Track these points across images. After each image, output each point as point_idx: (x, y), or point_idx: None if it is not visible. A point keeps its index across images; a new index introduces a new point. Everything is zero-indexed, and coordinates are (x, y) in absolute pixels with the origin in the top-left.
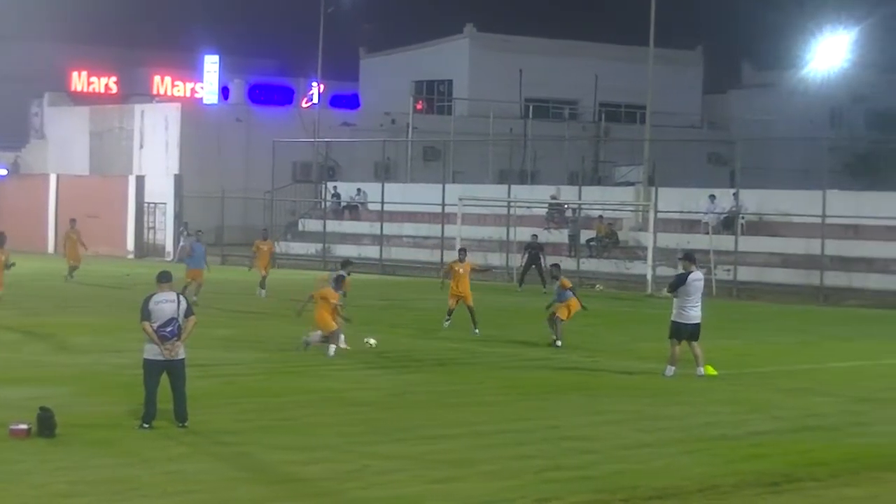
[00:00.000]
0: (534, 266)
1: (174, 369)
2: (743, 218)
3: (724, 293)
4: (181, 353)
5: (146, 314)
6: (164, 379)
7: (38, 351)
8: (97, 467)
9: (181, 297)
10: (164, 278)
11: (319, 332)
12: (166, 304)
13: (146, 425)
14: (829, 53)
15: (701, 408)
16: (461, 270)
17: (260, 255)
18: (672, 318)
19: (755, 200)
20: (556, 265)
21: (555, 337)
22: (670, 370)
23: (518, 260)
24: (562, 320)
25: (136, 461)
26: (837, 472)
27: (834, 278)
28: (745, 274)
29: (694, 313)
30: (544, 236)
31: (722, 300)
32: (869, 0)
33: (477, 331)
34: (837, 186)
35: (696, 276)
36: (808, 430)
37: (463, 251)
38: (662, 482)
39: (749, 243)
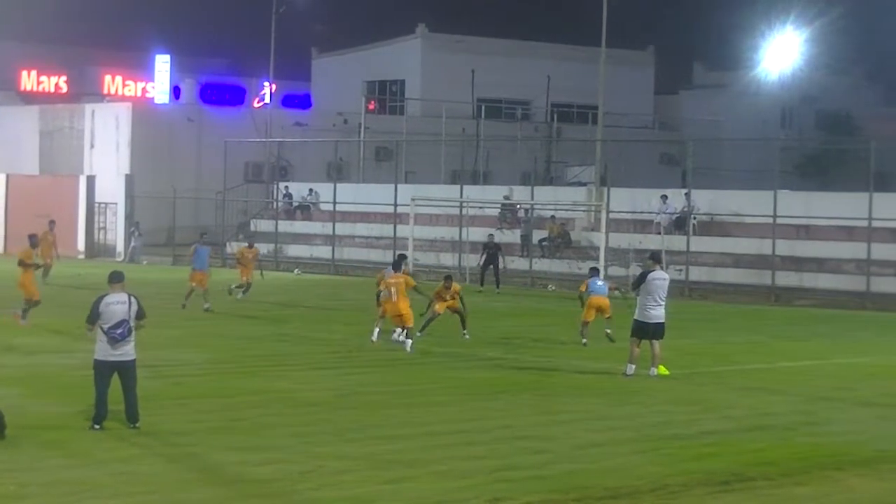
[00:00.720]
0: (491, 266)
1: (125, 370)
2: (695, 218)
3: (676, 293)
4: (132, 353)
5: (95, 316)
6: (116, 380)
7: None
8: (48, 469)
9: (133, 299)
10: (115, 278)
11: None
12: (117, 305)
13: (97, 426)
14: (779, 54)
15: (653, 407)
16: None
17: (244, 263)
18: (634, 317)
19: (707, 201)
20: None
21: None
22: (630, 368)
23: (471, 260)
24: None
25: (88, 462)
26: (789, 471)
27: (785, 278)
28: (697, 274)
29: (656, 312)
30: (497, 236)
31: (674, 300)
32: (820, 2)
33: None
34: (788, 187)
35: (658, 276)
36: (760, 430)
37: (402, 257)
38: (615, 482)
39: (701, 243)
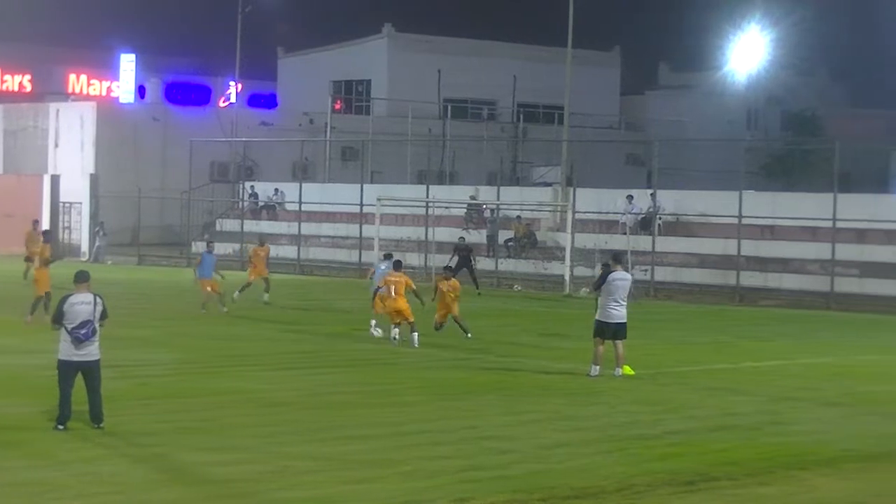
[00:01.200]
0: (465, 268)
1: (89, 370)
2: (660, 218)
3: (641, 293)
4: (96, 353)
5: (59, 315)
6: (80, 380)
7: None
8: (10, 469)
9: (98, 299)
10: (81, 278)
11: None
12: (82, 305)
13: (61, 427)
14: (745, 55)
15: (618, 408)
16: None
17: (257, 261)
18: (596, 317)
19: (672, 201)
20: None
21: None
22: (595, 370)
23: (437, 260)
24: None
25: (51, 463)
26: (753, 472)
27: (750, 278)
28: (662, 274)
29: (617, 312)
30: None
31: (639, 300)
32: (785, 2)
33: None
34: (754, 187)
35: (620, 276)
36: (724, 430)
37: (396, 259)
38: (580, 482)
39: (666, 244)
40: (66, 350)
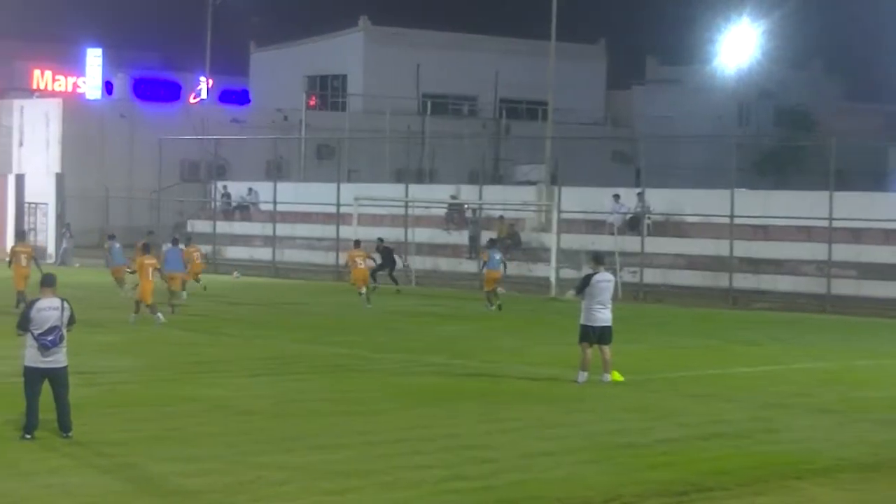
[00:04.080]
0: (387, 267)
1: (56, 377)
2: (649, 218)
3: (630, 296)
4: (63, 360)
5: (26, 322)
6: (47, 388)
7: None
8: None
9: (65, 304)
10: (47, 282)
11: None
12: (49, 311)
13: (28, 436)
14: (735, 48)
15: (605, 415)
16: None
17: (355, 268)
18: (580, 322)
19: (661, 200)
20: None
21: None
22: (582, 376)
23: (417, 262)
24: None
25: (15, 473)
26: (746, 481)
27: (742, 280)
28: (652, 276)
29: (601, 315)
30: (444, 237)
31: (627, 303)
32: None
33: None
34: (745, 185)
35: (603, 277)
36: (716, 438)
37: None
38: (565, 492)
39: (655, 244)
40: (32, 356)
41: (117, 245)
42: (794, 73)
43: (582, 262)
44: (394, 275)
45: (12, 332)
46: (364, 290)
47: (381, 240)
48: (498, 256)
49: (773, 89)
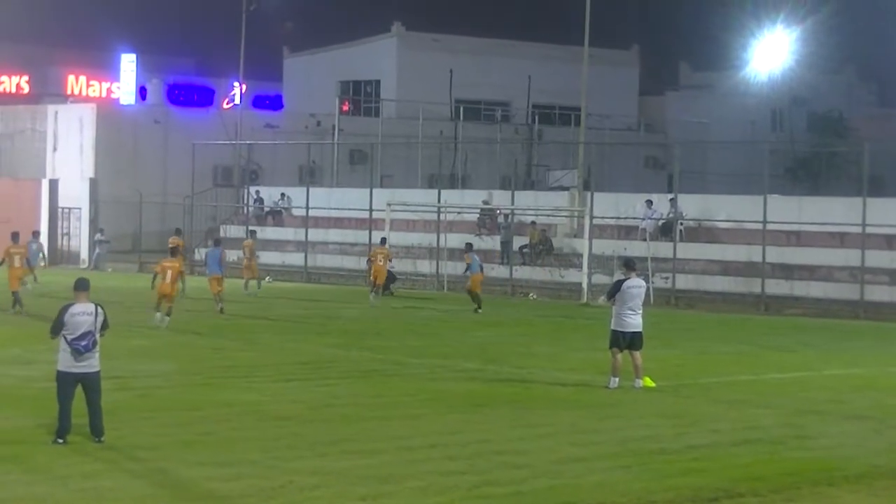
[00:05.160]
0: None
1: (89, 382)
2: (681, 224)
3: (662, 301)
4: (96, 365)
5: (59, 326)
6: (79, 392)
7: None
8: (8, 484)
9: (99, 309)
10: (81, 286)
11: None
12: (83, 316)
13: (60, 440)
14: (769, 54)
15: (637, 420)
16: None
17: (375, 264)
18: (611, 328)
19: (694, 206)
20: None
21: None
22: (614, 381)
23: (449, 267)
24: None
25: (49, 478)
26: (778, 487)
27: (775, 286)
28: (684, 282)
29: (632, 321)
30: (476, 243)
31: (660, 309)
32: (810, 0)
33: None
34: (778, 191)
35: (634, 283)
36: (748, 444)
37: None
38: (598, 498)
39: (688, 250)
40: (65, 361)
41: (217, 251)
42: (827, 78)
43: (614, 267)
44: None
45: (42, 337)
46: (378, 289)
47: (384, 239)
48: (478, 259)
49: (807, 95)
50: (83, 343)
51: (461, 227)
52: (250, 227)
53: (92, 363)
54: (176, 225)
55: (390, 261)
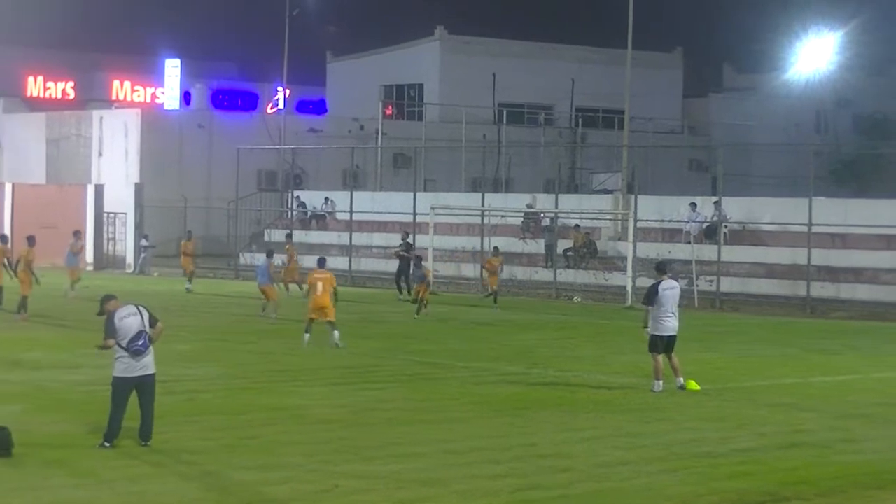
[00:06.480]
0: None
1: (145, 386)
2: (726, 227)
3: (707, 304)
4: (152, 367)
5: (112, 331)
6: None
7: None
8: (55, 488)
9: (141, 308)
10: (110, 297)
11: None
12: (130, 318)
13: (107, 444)
14: (813, 56)
15: (682, 424)
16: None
17: (491, 270)
18: (650, 332)
19: (738, 208)
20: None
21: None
22: (657, 385)
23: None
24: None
25: (96, 482)
26: (825, 491)
27: (820, 289)
28: (729, 285)
29: (670, 324)
30: (520, 246)
31: (704, 312)
32: (853, 1)
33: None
34: (823, 193)
35: (668, 285)
36: (795, 447)
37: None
38: (642, 501)
39: (732, 253)
40: (123, 367)
41: (276, 260)
42: (871, 80)
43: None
44: (409, 282)
45: (87, 343)
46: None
47: (406, 233)
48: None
49: (851, 96)
50: (140, 343)
51: (505, 230)
52: (286, 232)
53: (149, 364)
54: (220, 229)
55: (501, 269)
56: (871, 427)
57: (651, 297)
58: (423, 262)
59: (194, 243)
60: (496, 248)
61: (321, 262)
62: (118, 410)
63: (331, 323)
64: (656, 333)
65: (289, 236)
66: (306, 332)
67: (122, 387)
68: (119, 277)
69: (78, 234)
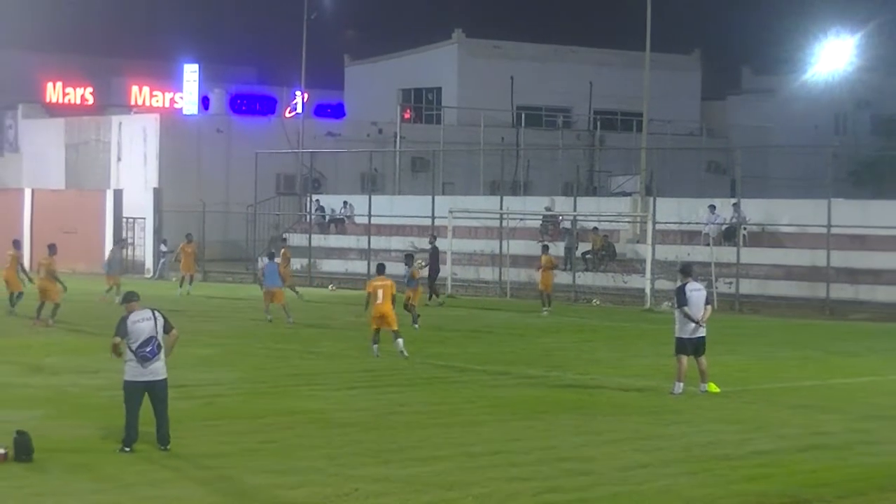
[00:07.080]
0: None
1: (156, 390)
2: (745, 229)
3: (726, 307)
4: (163, 372)
5: (122, 332)
6: (146, 400)
7: (8, 372)
8: (76, 493)
9: (157, 314)
10: (131, 297)
11: None
12: (143, 322)
13: (127, 449)
14: (831, 57)
15: (702, 426)
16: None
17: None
18: (676, 335)
19: (757, 210)
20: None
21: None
22: (678, 387)
23: (512, 274)
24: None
25: (117, 486)
26: (845, 493)
27: (840, 291)
28: (748, 287)
29: (694, 326)
30: (538, 249)
31: (724, 314)
32: (872, 2)
33: None
34: (843, 195)
35: (694, 287)
36: (814, 450)
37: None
38: None
39: (751, 255)
40: (132, 371)
41: (273, 263)
42: (890, 81)
43: (678, 272)
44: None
45: (105, 348)
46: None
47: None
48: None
49: (870, 98)
50: (148, 349)
51: (524, 233)
52: (282, 236)
53: (158, 370)
54: (239, 234)
55: (553, 269)
56: (892, 429)
57: (682, 298)
58: (414, 262)
59: (195, 246)
60: (545, 247)
61: (380, 269)
62: (132, 414)
63: (395, 332)
64: (683, 336)
65: (283, 240)
66: (374, 342)
67: (132, 390)
68: (139, 282)
69: (121, 243)
